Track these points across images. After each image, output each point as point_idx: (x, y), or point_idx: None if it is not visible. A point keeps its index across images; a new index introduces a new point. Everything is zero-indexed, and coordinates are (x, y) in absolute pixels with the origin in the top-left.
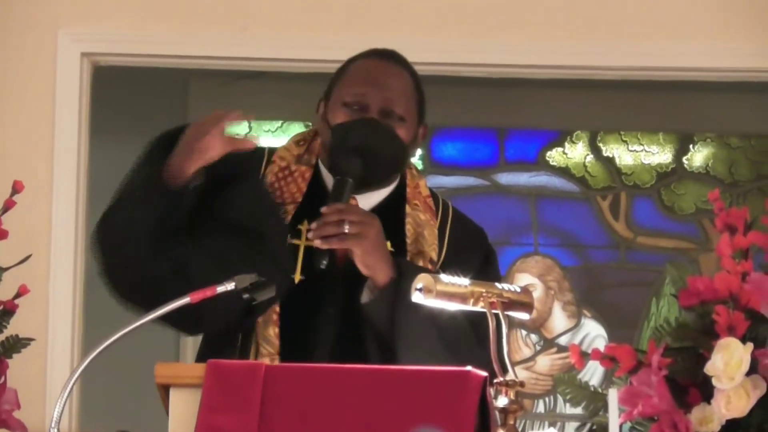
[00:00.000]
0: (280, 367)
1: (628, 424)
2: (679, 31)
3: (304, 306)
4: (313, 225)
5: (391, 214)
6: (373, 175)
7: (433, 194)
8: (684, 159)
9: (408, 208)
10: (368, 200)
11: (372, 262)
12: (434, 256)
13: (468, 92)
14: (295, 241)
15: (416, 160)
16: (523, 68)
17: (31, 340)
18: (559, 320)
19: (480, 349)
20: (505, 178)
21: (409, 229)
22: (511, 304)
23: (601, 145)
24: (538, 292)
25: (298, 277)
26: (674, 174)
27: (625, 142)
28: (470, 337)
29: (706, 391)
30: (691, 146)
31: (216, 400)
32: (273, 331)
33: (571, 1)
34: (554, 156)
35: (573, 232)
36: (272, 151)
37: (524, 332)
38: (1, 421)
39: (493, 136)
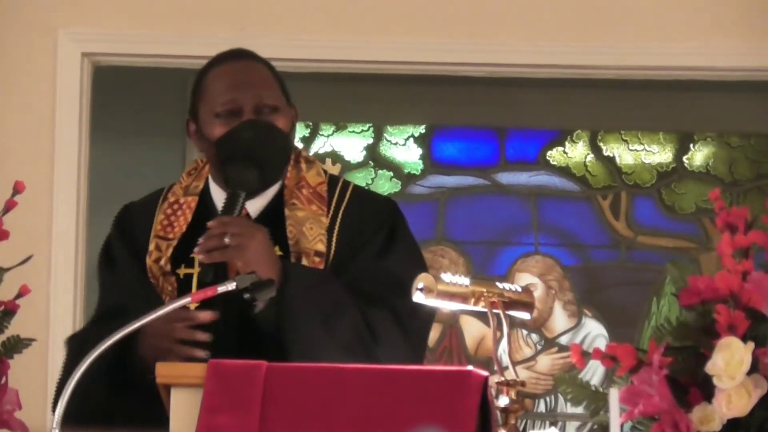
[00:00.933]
0: (280, 366)
1: (629, 424)
2: (679, 31)
3: (207, 330)
4: (200, 240)
5: (275, 217)
6: (270, 177)
7: (332, 180)
8: (684, 158)
9: (286, 211)
10: (254, 206)
11: (257, 272)
12: (320, 247)
13: (468, 92)
14: (190, 270)
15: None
16: (523, 68)
17: (32, 340)
18: (559, 320)
19: (391, 347)
20: (506, 178)
21: (290, 230)
22: (511, 304)
23: (601, 144)
24: (538, 292)
25: (194, 305)
26: (675, 173)
27: (625, 141)
28: (382, 332)
29: (707, 390)
30: (691, 145)
31: (217, 399)
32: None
33: (572, 1)
34: (555, 155)
35: (573, 231)
36: (171, 187)
37: (525, 332)
38: (3, 421)
39: (493, 136)
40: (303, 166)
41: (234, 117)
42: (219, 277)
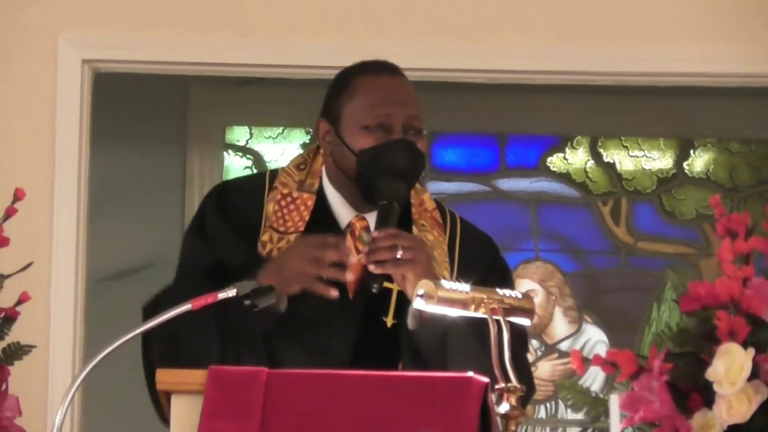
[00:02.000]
0: (281, 373)
1: (630, 430)
2: (679, 37)
3: (340, 324)
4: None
5: None
6: (404, 195)
7: (439, 206)
8: (684, 164)
9: (415, 230)
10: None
11: None
12: (446, 275)
13: (468, 98)
14: None
15: None
16: (523, 74)
17: (33, 347)
18: (560, 326)
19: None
20: (506, 184)
21: None
22: (512, 310)
23: (601, 150)
24: (538, 298)
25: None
26: (675, 179)
27: (625, 147)
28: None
29: (707, 396)
30: (691, 151)
31: (217, 406)
32: None
33: (572, 7)
34: (555, 161)
35: (574, 237)
36: (274, 174)
37: None
38: (3, 428)
39: (493, 142)
40: (419, 186)
41: (383, 132)
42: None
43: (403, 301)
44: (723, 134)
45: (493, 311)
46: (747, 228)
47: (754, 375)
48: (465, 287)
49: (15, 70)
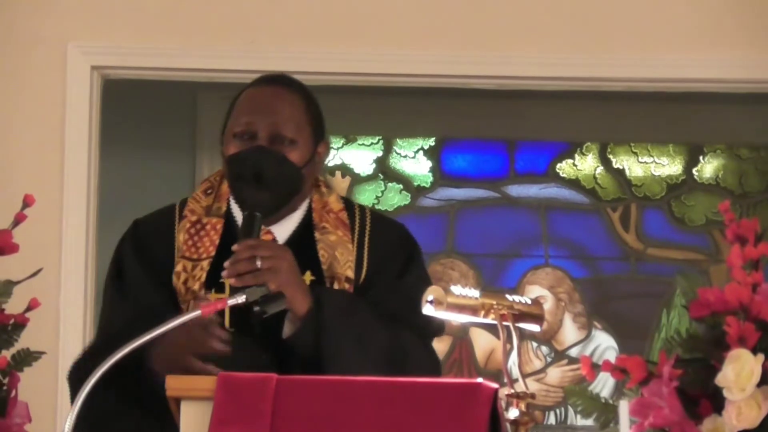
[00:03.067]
0: (291, 379)
1: None
2: (688, 43)
3: (239, 355)
4: (227, 264)
5: (304, 242)
6: (279, 202)
7: (348, 205)
8: (694, 170)
9: (317, 234)
10: (283, 230)
11: (289, 294)
12: (350, 273)
13: (478, 104)
14: (221, 295)
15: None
16: (532, 80)
17: (42, 353)
18: (569, 332)
19: (424, 353)
20: (516, 190)
21: (322, 255)
22: (521, 316)
23: (611, 156)
24: (548, 304)
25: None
26: (684, 185)
27: (635, 153)
28: (411, 349)
29: (717, 402)
30: (701, 158)
31: (227, 412)
32: None
33: (581, 14)
34: (564, 168)
35: (583, 243)
36: (183, 204)
37: (535, 344)
38: None
39: (503, 148)
40: (324, 190)
41: (249, 140)
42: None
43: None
44: (732, 140)
45: (502, 317)
46: (756, 234)
47: (764, 381)
48: (475, 293)
49: (25, 77)
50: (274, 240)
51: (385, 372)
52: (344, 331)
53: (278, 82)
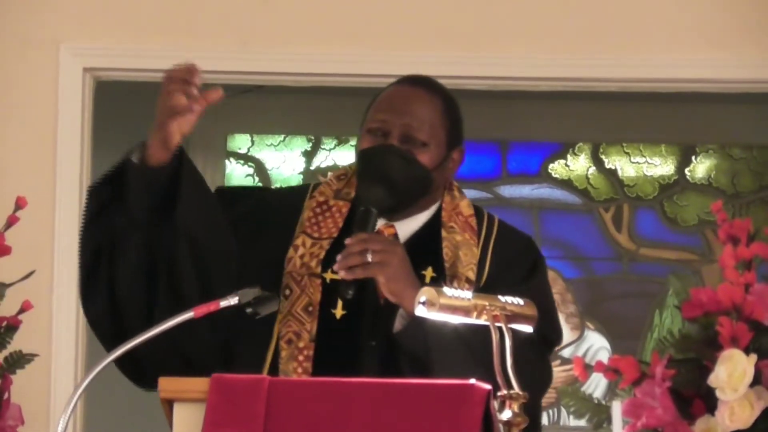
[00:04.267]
0: (284, 380)
1: None
2: (681, 43)
3: (345, 340)
4: (339, 257)
5: (429, 239)
6: (402, 201)
7: (478, 212)
8: (686, 170)
9: (444, 232)
10: (407, 227)
11: (398, 290)
12: (471, 275)
13: (470, 105)
14: (336, 276)
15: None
16: (525, 81)
17: (35, 355)
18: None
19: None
20: (508, 191)
21: (446, 252)
22: (514, 317)
23: (603, 157)
24: None
25: (339, 312)
26: (677, 185)
27: (627, 153)
28: (524, 357)
29: (709, 402)
30: (693, 158)
31: (220, 414)
32: (302, 367)
33: (573, 14)
34: (557, 168)
35: (576, 244)
36: (317, 186)
37: None
38: None
39: (495, 149)
40: (456, 194)
41: (383, 138)
42: (362, 293)
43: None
44: (725, 140)
45: (495, 318)
46: (749, 234)
47: (757, 381)
48: (467, 294)
49: (17, 79)
50: (396, 236)
51: (488, 373)
52: (453, 337)
53: (420, 83)
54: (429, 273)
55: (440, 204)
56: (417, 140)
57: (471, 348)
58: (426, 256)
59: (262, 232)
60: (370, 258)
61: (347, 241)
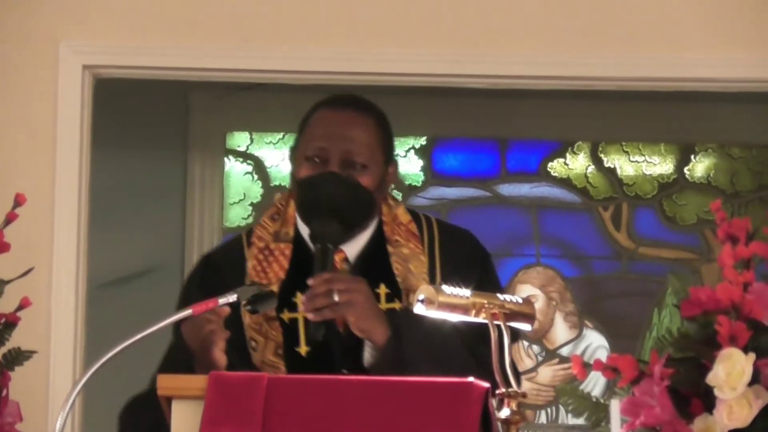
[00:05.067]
0: (282, 378)
1: None
2: (680, 42)
3: (318, 374)
4: (303, 298)
5: (377, 258)
6: (352, 230)
7: (414, 216)
8: (685, 169)
9: (390, 248)
10: (354, 248)
11: (367, 326)
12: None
13: (469, 103)
14: (294, 315)
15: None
16: (524, 79)
17: (33, 352)
18: (560, 331)
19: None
20: (507, 189)
21: (397, 268)
22: (512, 315)
23: (602, 155)
24: (539, 303)
25: (304, 349)
26: (676, 184)
27: (626, 152)
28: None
29: (708, 401)
30: (692, 157)
31: (218, 411)
32: None
33: (573, 12)
34: (556, 167)
35: (575, 242)
36: (250, 233)
37: (526, 343)
38: None
39: (494, 147)
40: (392, 203)
41: (321, 165)
42: (329, 332)
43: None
44: (724, 139)
45: (493, 316)
46: (748, 233)
47: (755, 380)
48: (466, 292)
49: (16, 76)
50: (346, 258)
51: None
52: (425, 361)
53: (351, 104)
54: (383, 290)
55: (380, 217)
56: (357, 164)
57: (446, 372)
58: (376, 273)
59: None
60: (336, 298)
61: (310, 281)
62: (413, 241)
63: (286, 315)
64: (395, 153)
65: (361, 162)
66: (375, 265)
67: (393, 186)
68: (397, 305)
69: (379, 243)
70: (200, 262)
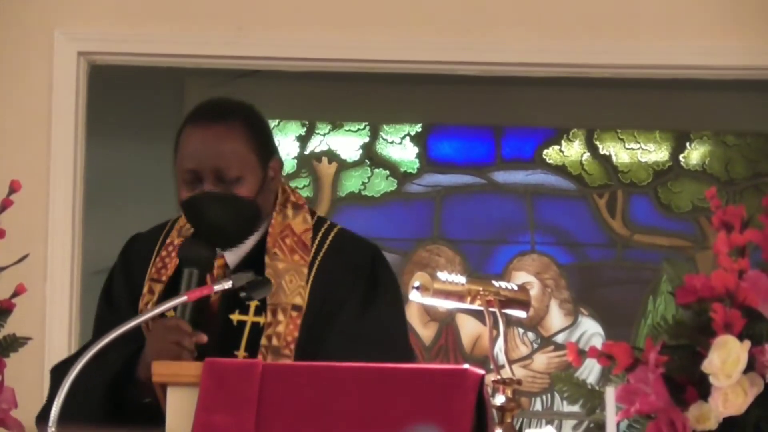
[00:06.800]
0: (277, 365)
1: (625, 422)
2: (675, 30)
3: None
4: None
5: (254, 268)
6: (233, 243)
7: (317, 225)
8: (680, 157)
9: (267, 259)
10: (235, 255)
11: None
12: (299, 300)
13: (465, 90)
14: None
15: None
16: (519, 66)
17: (29, 339)
18: (556, 318)
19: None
20: (502, 177)
21: None
22: (508, 302)
23: (597, 143)
24: (534, 290)
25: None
26: (671, 172)
27: (621, 140)
28: None
29: (703, 388)
30: (687, 144)
31: (213, 398)
32: None
33: (568, 0)
34: (551, 154)
35: (570, 230)
36: (174, 223)
37: (521, 330)
38: None
39: (489, 135)
40: (289, 212)
41: (197, 184)
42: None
43: (256, 333)
44: (719, 127)
45: (489, 303)
46: (742, 220)
47: (750, 367)
48: (461, 279)
49: (11, 63)
50: (226, 264)
51: None
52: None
53: (215, 118)
54: (253, 303)
55: (269, 223)
56: (230, 177)
57: None
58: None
59: (129, 295)
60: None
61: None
62: (300, 252)
63: (170, 313)
64: (273, 148)
65: (233, 175)
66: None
67: (377, 168)
68: (262, 320)
69: (260, 252)
70: (128, 241)
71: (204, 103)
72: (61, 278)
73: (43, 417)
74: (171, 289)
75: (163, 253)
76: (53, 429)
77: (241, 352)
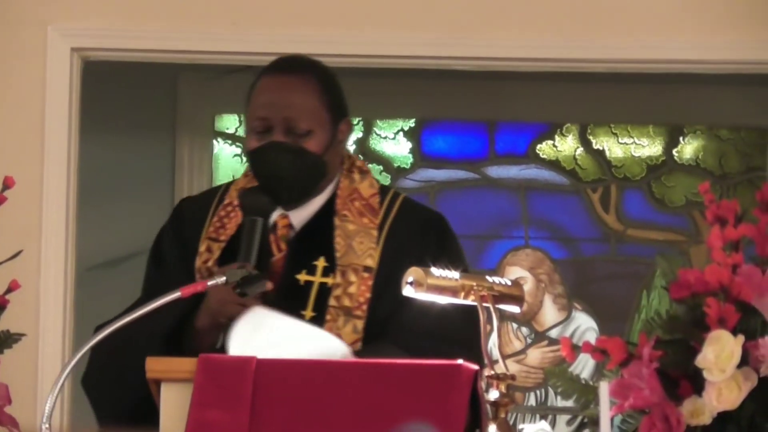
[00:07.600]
0: (271, 361)
1: (619, 417)
2: (669, 24)
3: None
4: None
5: (322, 228)
6: (296, 196)
7: (383, 191)
8: (674, 151)
9: (337, 221)
10: (301, 215)
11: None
12: (370, 262)
13: (458, 85)
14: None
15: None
16: (512, 61)
17: (22, 335)
18: (549, 313)
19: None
20: (495, 171)
21: (338, 242)
22: (501, 297)
23: (591, 137)
24: (528, 285)
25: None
26: (664, 166)
27: (615, 134)
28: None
29: (697, 383)
30: (681, 138)
31: (207, 394)
32: None
33: None
34: (544, 149)
35: (563, 224)
36: (228, 186)
37: (515, 325)
38: None
39: (483, 129)
40: (356, 176)
41: (267, 134)
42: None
43: (323, 294)
44: (712, 121)
45: (482, 298)
46: (736, 215)
47: (744, 362)
48: (455, 274)
49: (4, 59)
50: (290, 225)
51: None
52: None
53: (291, 68)
54: (321, 263)
55: (336, 185)
56: (300, 130)
57: None
58: (318, 245)
59: (180, 257)
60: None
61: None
62: (368, 215)
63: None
64: (345, 109)
65: (304, 128)
66: (318, 236)
67: (370, 163)
68: (330, 280)
69: (328, 214)
70: (176, 209)
71: (281, 57)
72: (55, 274)
73: (86, 379)
74: (231, 250)
75: (222, 212)
76: (47, 425)
77: (309, 312)
